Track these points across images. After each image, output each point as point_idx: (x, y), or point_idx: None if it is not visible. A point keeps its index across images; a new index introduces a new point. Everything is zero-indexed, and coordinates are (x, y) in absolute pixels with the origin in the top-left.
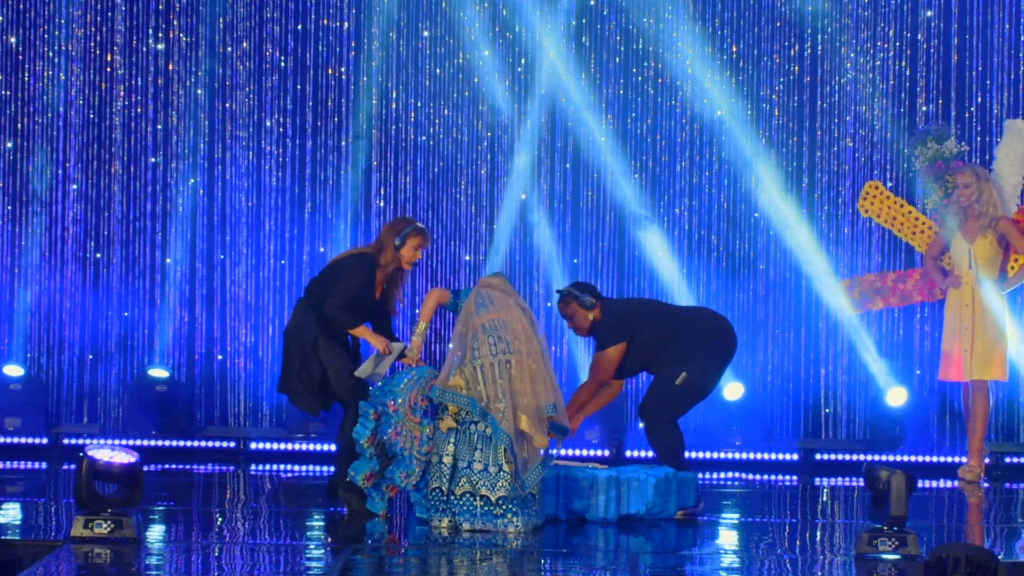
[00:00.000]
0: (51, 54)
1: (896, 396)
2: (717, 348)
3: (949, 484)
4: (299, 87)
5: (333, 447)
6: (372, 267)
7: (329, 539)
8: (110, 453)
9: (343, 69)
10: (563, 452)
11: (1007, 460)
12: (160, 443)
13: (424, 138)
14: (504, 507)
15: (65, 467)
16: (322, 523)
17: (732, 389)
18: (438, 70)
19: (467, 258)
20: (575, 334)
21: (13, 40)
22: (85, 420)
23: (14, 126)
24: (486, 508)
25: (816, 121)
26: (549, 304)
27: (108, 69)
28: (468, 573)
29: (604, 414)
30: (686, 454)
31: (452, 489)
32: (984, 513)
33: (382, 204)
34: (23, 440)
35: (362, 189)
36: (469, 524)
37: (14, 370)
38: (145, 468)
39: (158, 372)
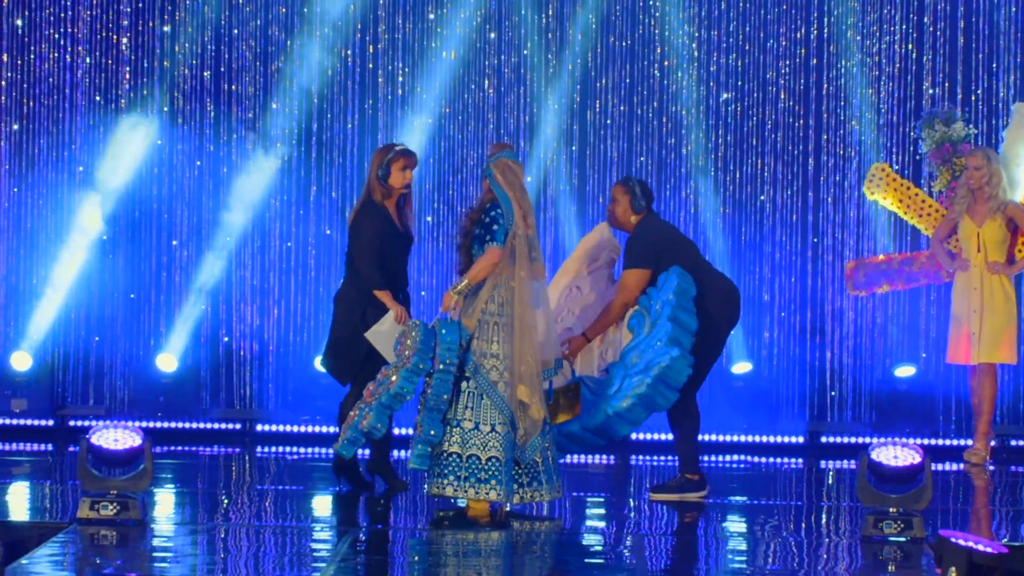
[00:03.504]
0: (57, 36)
1: (904, 371)
2: (725, 317)
3: (955, 467)
4: (304, 69)
5: (338, 429)
6: (375, 211)
7: (336, 521)
8: (114, 435)
9: (348, 51)
10: None
11: (1013, 443)
12: (165, 425)
13: (429, 120)
14: (491, 471)
15: (71, 449)
16: (329, 505)
17: (740, 366)
18: (444, 53)
19: None
20: (606, 217)
21: (19, 22)
22: (91, 402)
23: (20, 108)
24: (472, 468)
25: (822, 104)
26: None
27: (114, 51)
28: (473, 555)
29: None
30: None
31: (445, 449)
32: (990, 496)
33: None
34: (29, 422)
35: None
36: (452, 489)
37: (23, 361)
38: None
39: (166, 362)
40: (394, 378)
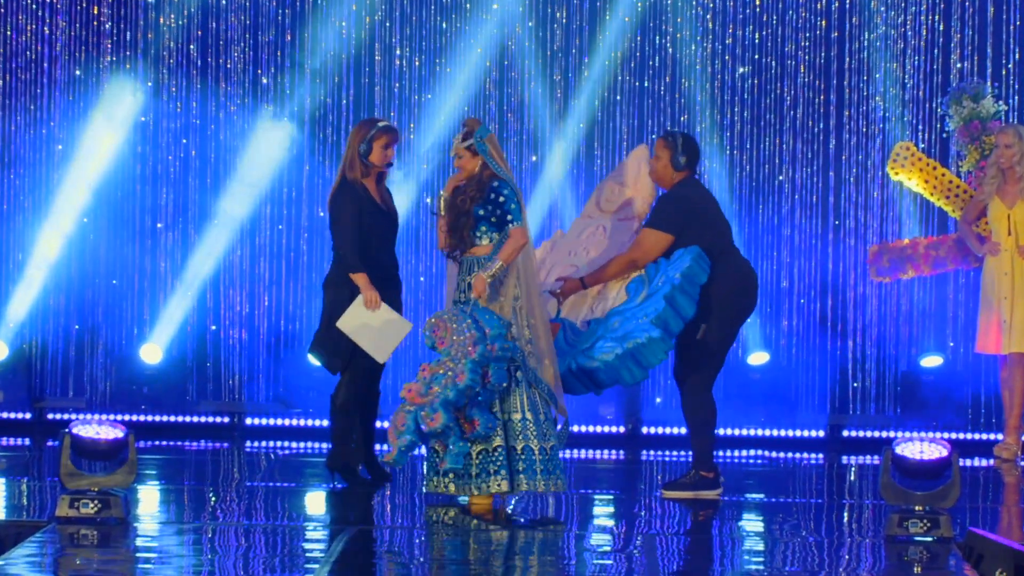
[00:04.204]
0: (34, 6)
1: (930, 361)
2: (742, 305)
3: (984, 463)
4: (297, 42)
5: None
6: (352, 190)
7: (329, 519)
8: (95, 429)
9: (343, 23)
10: (575, 429)
11: None
12: (150, 418)
13: (429, 96)
14: (556, 461)
15: (50, 443)
16: (322, 502)
17: (757, 356)
18: (444, 23)
19: None
20: (649, 172)
21: None
22: (71, 394)
23: None
24: (544, 461)
25: (844, 79)
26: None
27: (95, 23)
28: (477, 555)
29: (620, 390)
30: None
31: (512, 444)
32: (1021, 493)
33: None
34: (5, 415)
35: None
36: (530, 483)
37: None
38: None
39: (150, 352)
40: (463, 375)
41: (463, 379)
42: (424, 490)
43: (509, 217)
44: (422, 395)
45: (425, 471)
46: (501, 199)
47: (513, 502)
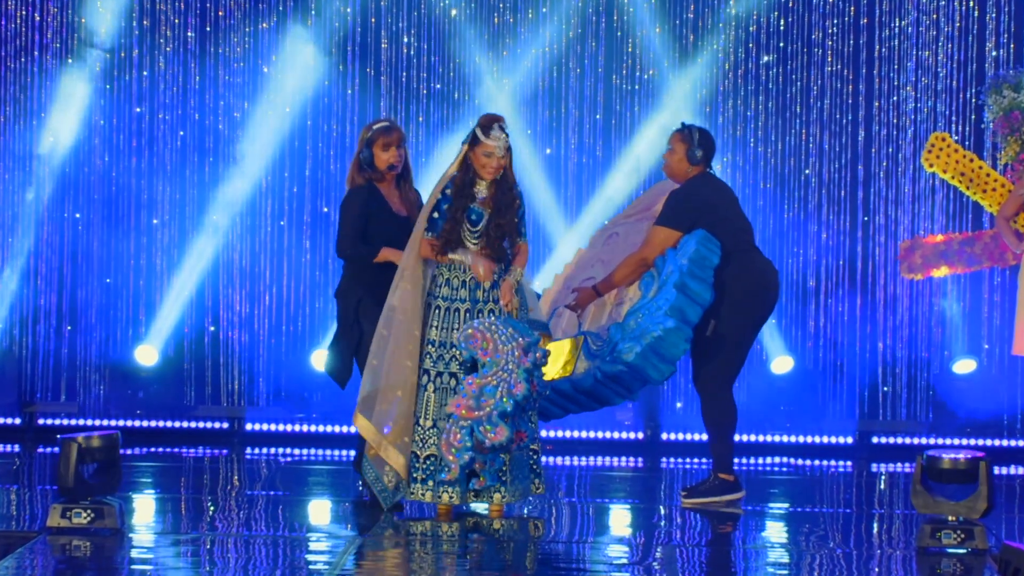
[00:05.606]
0: None
1: (964, 365)
2: (762, 304)
3: (1021, 471)
4: (299, 29)
5: (336, 428)
6: (358, 196)
7: (340, 528)
8: (83, 433)
9: (348, 9)
10: (591, 435)
11: None
12: (146, 424)
13: (438, 86)
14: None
15: (40, 450)
16: (326, 512)
17: (781, 362)
18: (454, 10)
19: None
20: (663, 167)
21: None
22: (63, 398)
23: None
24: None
25: (874, 68)
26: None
27: (88, 9)
28: (487, 565)
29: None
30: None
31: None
32: None
33: None
34: None
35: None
36: (538, 483)
37: None
38: (130, 451)
39: (146, 354)
40: (520, 384)
41: (520, 389)
42: (413, 498)
43: (523, 230)
44: (473, 409)
45: (411, 480)
46: (523, 210)
47: (526, 510)
